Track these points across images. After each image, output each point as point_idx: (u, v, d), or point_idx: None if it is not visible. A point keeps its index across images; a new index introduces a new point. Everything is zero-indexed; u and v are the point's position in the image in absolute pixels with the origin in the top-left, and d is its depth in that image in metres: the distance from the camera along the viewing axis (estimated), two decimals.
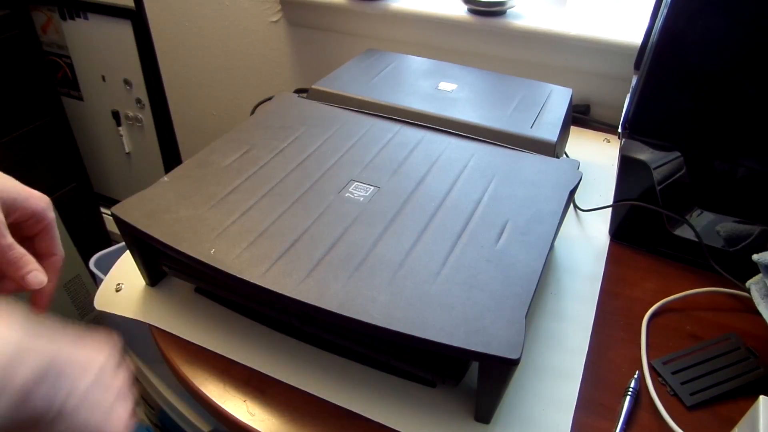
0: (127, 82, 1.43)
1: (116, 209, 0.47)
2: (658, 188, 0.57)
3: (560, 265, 0.59)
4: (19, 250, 0.40)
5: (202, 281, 0.50)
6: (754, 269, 0.47)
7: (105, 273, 0.56)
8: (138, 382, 0.62)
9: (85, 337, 0.34)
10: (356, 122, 0.61)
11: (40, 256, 0.42)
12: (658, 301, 0.55)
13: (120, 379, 0.34)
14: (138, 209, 0.47)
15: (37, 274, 0.40)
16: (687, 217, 0.59)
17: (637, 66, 0.76)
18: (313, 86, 0.67)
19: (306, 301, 0.39)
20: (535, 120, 0.61)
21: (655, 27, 0.57)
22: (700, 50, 0.52)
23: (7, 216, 0.39)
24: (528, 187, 0.52)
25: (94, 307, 0.54)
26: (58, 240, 0.43)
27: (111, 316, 0.53)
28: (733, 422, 0.41)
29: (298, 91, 0.70)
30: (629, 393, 0.45)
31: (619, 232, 0.63)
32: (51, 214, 0.42)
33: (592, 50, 0.84)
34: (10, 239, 0.39)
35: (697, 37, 0.51)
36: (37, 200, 0.41)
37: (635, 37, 0.79)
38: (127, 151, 1.58)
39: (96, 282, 1.22)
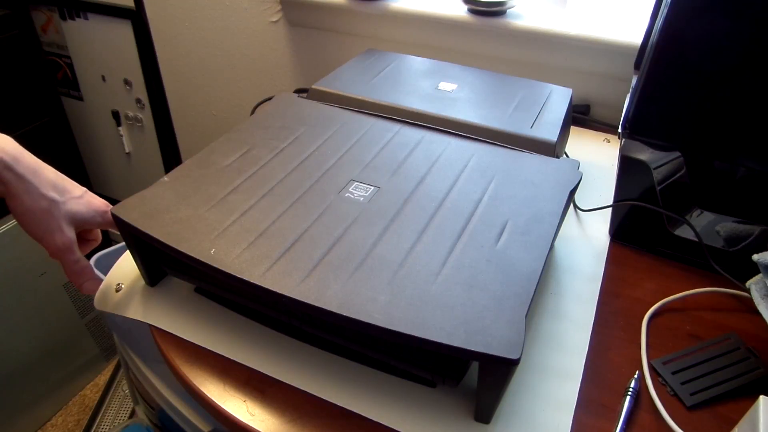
0: (127, 82, 1.43)
1: (116, 209, 0.47)
2: (658, 188, 0.57)
3: (560, 265, 0.59)
4: (82, 264, 0.50)
5: (202, 281, 0.50)
6: (754, 269, 0.47)
7: (105, 273, 0.56)
8: (138, 382, 0.62)
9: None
10: (356, 122, 0.61)
11: (83, 238, 0.53)
12: (658, 301, 0.55)
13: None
14: (138, 209, 0.47)
15: (92, 285, 0.52)
16: (687, 217, 0.59)
17: (637, 66, 0.76)
18: (313, 86, 0.67)
19: (306, 301, 0.39)
20: (535, 120, 0.61)
21: (655, 27, 0.57)
22: (700, 50, 0.52)
23: (75, 229, 0.49)
24: (528, 187, 0.52)
25: (94, 307, 0.54)
26: (99, 231, 0.55)
27: (111, 316, 0.53)
28: (733, 422, 0.41)
29: (298, 91, 0.70)
30: (629, 393, 0.45)
31: (619, 232, 0.63)
32: (104, 222, 0.51)
33: (592, 50, 0.84)
34: (77, 255, 0.49)
35: (697, 37, 0.51)
36: (100, 218, 0.51)
37: (635, 37, 0.79)
38: (127, 151, 1.58)
39: None
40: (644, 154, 0.57)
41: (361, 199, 0.49)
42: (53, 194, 0.47)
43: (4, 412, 1.20)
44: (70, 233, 0.48)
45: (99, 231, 0.55)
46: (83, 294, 0.52)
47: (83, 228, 0.51)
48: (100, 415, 1.33)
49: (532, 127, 0.60)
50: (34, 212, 0.46)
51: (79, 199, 0.49)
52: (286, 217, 0.47)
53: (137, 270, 0.54)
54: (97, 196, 0.52)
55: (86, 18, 1.37)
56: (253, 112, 0.83)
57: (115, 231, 0.52)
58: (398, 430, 0.42)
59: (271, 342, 0.49)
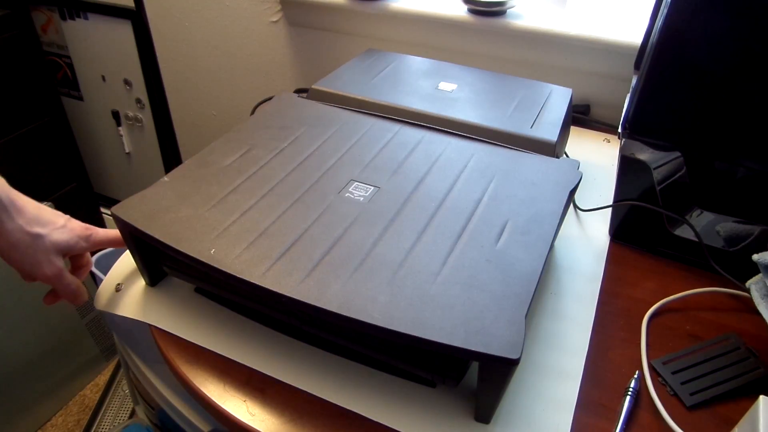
0: (127, 82, 1.43)
1: (116, 209, 0.47)
2: (658, 188, 0.57)
3: (560, 265, 0.59)
4: (73, 286, 0.51)
5: (202, 281, 0.50)
6: (754, 269, 0.47)
7: (105, 273, 0.56)
8: (138, 382, 0.62)
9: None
10: (356, 122, 0.61)
11: (75, 266, 0.55)
12: (658, 301, 0.55)
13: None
14: (138, 209, 0.47)
15: (78, 300, 0.52)
16: (687, 217, 0.59)
17: (637, 66, 0.76)
18: (313, 86, 0.67)
19: (306, 301, 0.39)
20: (535, 120, 0.61)
21: (655, 27, 0.57)
22: (700, 50, 0.52)
23: (63, 257, 0.50)
24: (528, 187, 0.52)
25: (94, 307, 0.54)
26: (88, 255, 0.56)
27: (111, 316, 0.53)
28: (733, 422, 0.41)
29: (298, 91, 0.70)
30: (629, 393, 0.45)
31: (619, 232, 0.63)
32: (88, 246, 0.53)
33: (592, 50, 0.84)
34: (68, 279, 0.51)
35: (697, 37, 0.51)
36: (84, 243, 0.51)
37: (635, 37, 0.79)
38: (127, 151, 1.58)
39: (96, 282, 1.22)
40: (644, 154, 0.57)
41: (361, 199, 0.49)
42: (37, 229, 0.48)
43: (4, 412, 1.20)
44: (58, 262, 0.49)
45: (89, 256, 0.56)
46: (76, 305, 0.54)
47: (69, 254, 0.51)
48: (100, 415, 1.33)
49: (532, 127, 0.60)
50: (19, 248, 0.47)
51: (62, 228, 0.50)
52: (286, 217, 0.47)
53: (137, 270, 0.54)
54: (77, 222, 0.52)
55: (86, 18, 1.37)
56: (253, 112, 0.83)
57: (107, 248, 0.53)
58: (398, 430, 0.42)
59: (271, 342, 0.49)
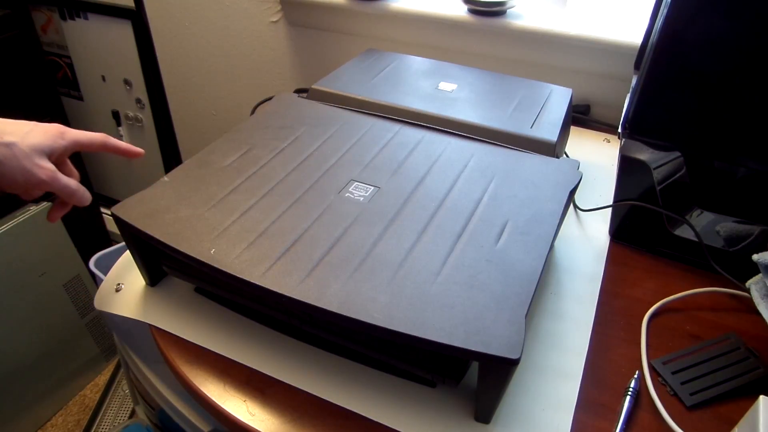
0: (127, 82, 1.43)
1: (116, 209, 0.47)
2: (658, 188, 0.57)
3: (560, 265, 0.59)
4: (73, 184, 0.49)
5: (202, 281, 0.50)
6: (754, 269, 0.47)
7: (105, 273, 0.56)
8: (138, 382, 0.62)
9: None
10: (356, 122, 0.61)
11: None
12: (658, 301, 0.55)
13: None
14: (138, 209, 0.47)
15: (85, 198, 0.51)
16: (687, 217, 0.59)
17: (637, 66, 0.76)
18: (313, 86, 0.67)
19: (306, 301, 0.39)
20: (535, 120, 0.61)
21: (655, 27, 0.57)
22: (700, 50, 0.52)
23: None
24: (528, 187, 0.52)
25: (94, 307, 0.54)
26: (70, 164, 0.53)
27: (111, 316, 0.53)
28: (733, 422, 0.41)
29: (298, 91, 0.70)
30: (629, 393, 0.45)
31: (619, 232, 0.63)
32: (69, 144, 0.50)
33: (592, 50, 0.84)
34: (66, 179, 0.49)
35: (697, 38, 0.51)
36: (62, 140, 0.49)
37: (635, 37, 0.79)
38: None
39: (96, 282, 1.22)
40: (644, 154, 0.57)
41: (361, 199, 0.49)
42: (7, 138, 0.45)
43: (4, 412, 1.20)
44: (48, 164, 0.47)
45: (71, 165, 0.53)
46: (85, 205, 0.51)
47: (53, 155, 0.49)
48: (100, 415, 1.33)
49: (532, 127, 0.60)
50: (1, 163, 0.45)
51: (32, 132, 0.47)
52: (286, 217, 0.47)
53: (137, 270, 0.54)
54: (45, 123, 0.50)
55: (86, 18, 1.37)
56: (253, 112, 0.83)
57: (85, 149, 0.51)
58: (398, 430, 0.42)
59: (271, 342, 0.49)
